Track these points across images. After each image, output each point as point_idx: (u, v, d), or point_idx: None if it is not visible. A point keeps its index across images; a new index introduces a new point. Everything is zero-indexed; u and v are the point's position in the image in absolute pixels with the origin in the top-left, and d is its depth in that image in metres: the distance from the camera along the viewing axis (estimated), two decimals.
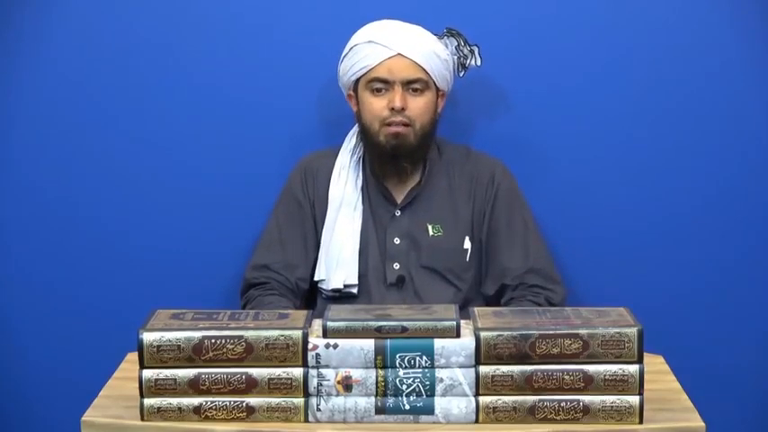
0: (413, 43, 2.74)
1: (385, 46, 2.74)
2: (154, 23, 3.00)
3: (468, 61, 2.86)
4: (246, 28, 3.01)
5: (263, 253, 2.83)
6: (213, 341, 2.02)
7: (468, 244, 2.79)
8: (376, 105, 2.75)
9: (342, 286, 2.76)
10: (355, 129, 2.86)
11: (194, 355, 2.02)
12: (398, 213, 2.81)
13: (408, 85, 2.74)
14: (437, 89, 2.79)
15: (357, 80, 2.78)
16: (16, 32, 3.00)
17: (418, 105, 2.75)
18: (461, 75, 2.87)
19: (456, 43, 2.84)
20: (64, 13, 3.00)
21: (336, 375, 2.02)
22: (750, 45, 2.99)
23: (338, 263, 2.77)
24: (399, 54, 2.73)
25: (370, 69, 2.75)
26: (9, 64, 3.02)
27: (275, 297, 2.74)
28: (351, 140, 2.86)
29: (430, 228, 2.80)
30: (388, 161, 2.78)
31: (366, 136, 2.79)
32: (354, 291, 2.77)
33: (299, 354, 2.02)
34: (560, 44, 3.00)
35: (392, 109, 2.73)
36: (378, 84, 2.75)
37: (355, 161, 2.84)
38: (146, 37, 3.01)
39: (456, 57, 2.84)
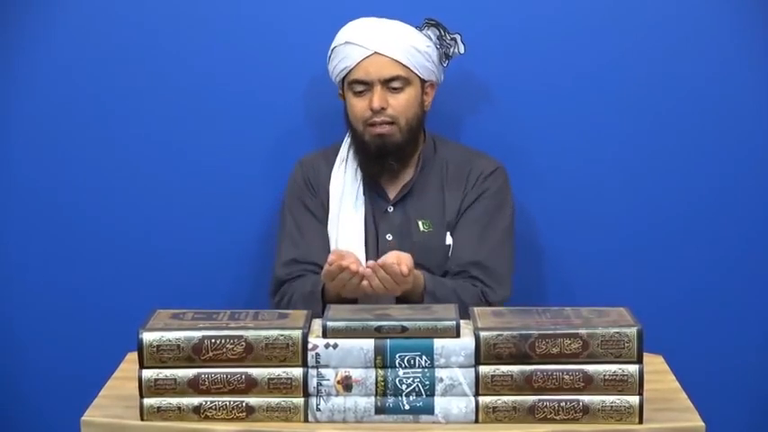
0: (388, 40, 2.74)
1: (361, 46, 2.74)
2: (151, 24, 3.01)
3: (451, 50, 2.85)
4: (240, 27, 3.01)
5: (288, 249, 2.79)
6: (213, 341, 2.02)
7: (449, 240, 2.78)
8: (358, 107, 2.76)
9: None
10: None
11: (194, 354, 2.02)
12: (391, 210, 2.80)
13: (388, 82, 2.74)
14: (423, 82, 2.79)
15: (342, 80, 2.79)
16: (16, 32, 3.00)
17: (399, 102, 2.75)
18: (446, 64, 2.85)
19: (438, 33, 2.84)
20: (63, 13, 3.00)
21: (336, 375, 2.02)
22: (750, 45, 2.99)
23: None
24: (376, 53, 2.74)
25: (350, 70, 2.76)
26: (9, 63, 3.02)
27: (315, 276, 2.68)
28: (349, 136, 2.86)
29: (420, 224, 2.79)
30: (375, 160, 2.78)
31: (353, 136, 2.79)
32: None
33: (298, 354, 2.01)
34: (551, 38, 3.00)
35: (372, 110, 2.73)
36: (358, 85, 2.75)
37: (353, 154, 2.83)
38: (144, 37, 3.01)
39: (439, 47, 2.83)
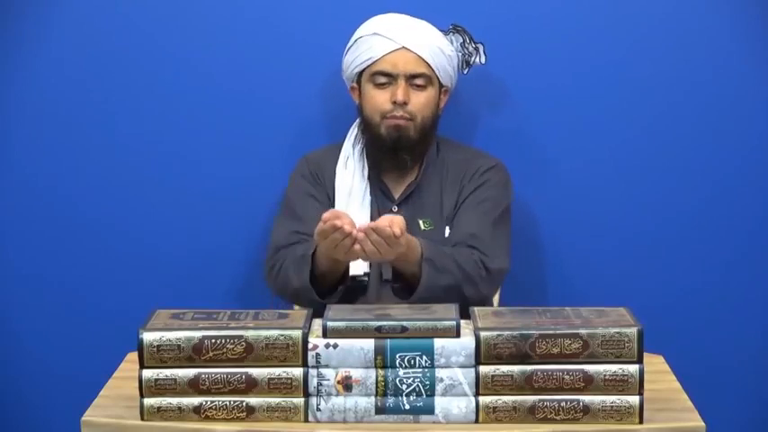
0: (418, 37, 2.75)
1: (390, 39, 2.74)
2: (154, 21, 3.00)
3: (472, 59, 2.86)
4: (249, 23, 3.01)
5: (287, 222, 2.76)
6: (213, 341, 2.02)
7: (448, 232, 2.78)
8: (379, 98, 2.75)
9: (362, 273, 2.72)
10: (358, 121, 2.85)
11: (194, 354, 2.02)
12: (395, 209, 2.80)
13: (411, 79, 2.74)
14: (440, 85, 2.79)
15: (361, 72, 2.78)
16: (16, 31, 3.00)
17: (420, 100, 2.75)
18: (465, 72, 2.87)
19: (461, 40, 2.84)
20: (64, 11, 3.00)
21: (336, 375, 2.02)
22: (750, 45, 2.99)
23: None
24: (404, 47, 2.74)
25: (375, 62, 2.75)
26: (9, 63, 3.02)
27: (309, 242, 2.65)
28: (353, 132, 2.85)
29: (421, 223, 2.79)
30: (388, 154, 2.77)
31: (367, 129, 2.78)
32: (366, 279, 2.74)
33: (298, 353, 2.02)
34: (565, 44, 3.00)
35: (394, 103, 2.73)
36: (381, 77, 2.75)
37: (359, 151, 2.83)
38: (146, 35, 3.01)
39: (461, 54, 2.84)
